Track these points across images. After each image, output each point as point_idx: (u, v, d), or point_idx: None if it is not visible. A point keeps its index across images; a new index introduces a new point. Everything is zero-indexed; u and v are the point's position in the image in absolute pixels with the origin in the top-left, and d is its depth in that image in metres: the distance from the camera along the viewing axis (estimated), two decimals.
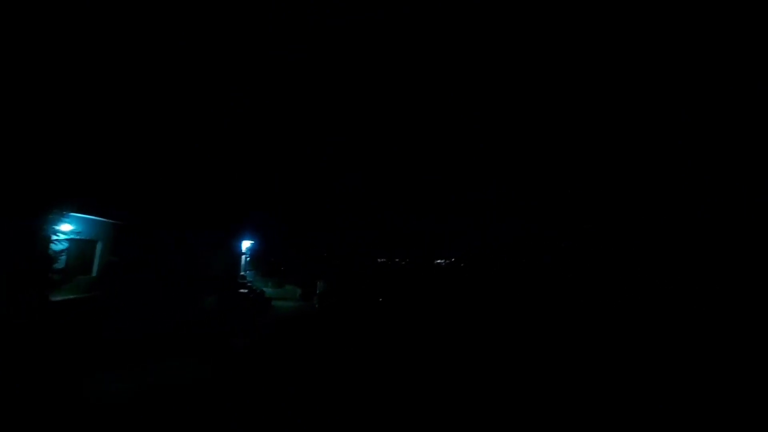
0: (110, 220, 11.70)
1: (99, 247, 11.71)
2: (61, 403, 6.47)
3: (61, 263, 8.93)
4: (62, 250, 8.98)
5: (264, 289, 24.17)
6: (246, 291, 20.52)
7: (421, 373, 8.83)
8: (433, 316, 16.14)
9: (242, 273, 24.83)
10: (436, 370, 9.07)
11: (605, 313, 10.52)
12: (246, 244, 24.31)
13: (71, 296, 10.21)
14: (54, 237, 8.72)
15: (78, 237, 10.32)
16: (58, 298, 9.49)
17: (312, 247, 28.51)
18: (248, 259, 27.34)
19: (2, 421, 5.69)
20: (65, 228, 9.35)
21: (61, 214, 8.69)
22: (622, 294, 12.65)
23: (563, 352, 9.12)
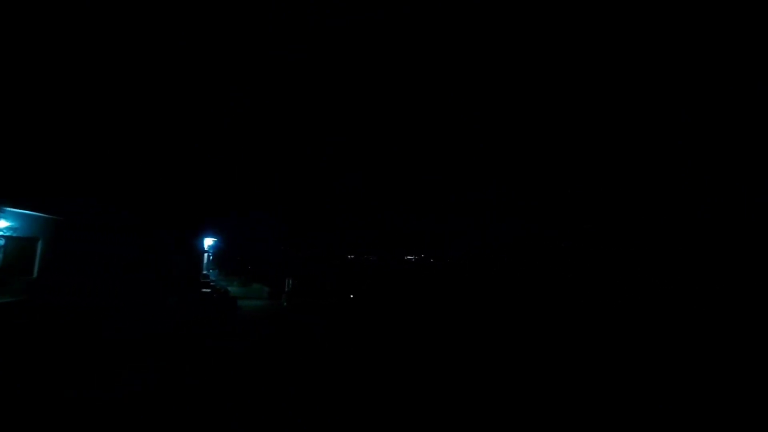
0: (52, 216, 10.68)
1: (40, 245, 10.67)
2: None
3: None
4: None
5: (229, 288, 23.20)
6: (209, 291, 19.61)
7: (393, 370, 8.78)
8: (405, 313, 16.16)
9: (204, 272, 23.74)
10: (409, 366, 9.06)
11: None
12: (208, 242, 23.24)
13: (6, 299, 9.22)
14: None
15: (15, 234, 9.34)
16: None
17: (281, 245, 27.78)
18: (211, 257, 26.19)
19: None
20: (1, 224, 8.42)
21: None
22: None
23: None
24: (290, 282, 24.28)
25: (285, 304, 21.90)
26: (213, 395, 6.98)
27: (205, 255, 23.78)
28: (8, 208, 8.60)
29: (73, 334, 9.38)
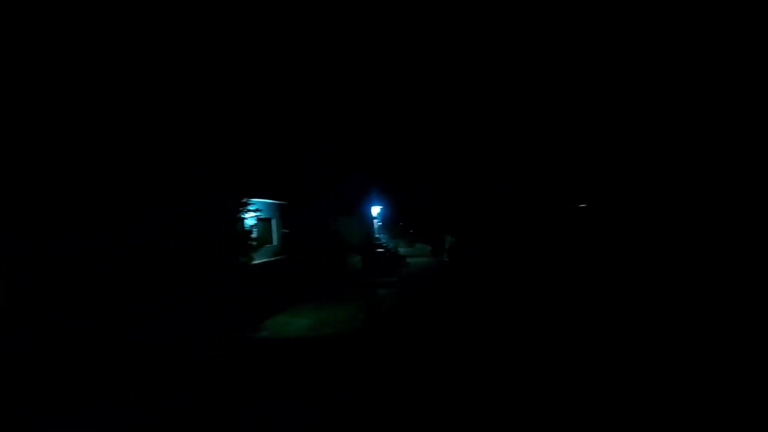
0: (277, 202, 15.08)
1: (273, 223, 15.31)
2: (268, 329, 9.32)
3: (254, 234, 12.29)
4: (253, 226, 12.32)
5: (398, 248, 26.86)
6: (382, 250, 23.25)
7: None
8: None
9: (376, 236, 27.94)
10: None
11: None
12: (376, 210, 27.07)
13: (263, 260, 13.86)
14: (246, 217, 12.06)
15: (259, 216, 13.75)
16: (258, 262, 13.08)
17: (439, 209, 29.72)
18: (379, 223, 30.38)
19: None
20: (251, 213, 12.68)
21: (248, 201, 11.86)
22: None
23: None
24: (450, 239, 26.01)
25: (446, 259, 23.86)
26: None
27: (375, 221, 27.88)
28: (255, 199, 12.69)
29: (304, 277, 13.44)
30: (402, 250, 27.79)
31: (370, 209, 26.14)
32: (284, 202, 15.50)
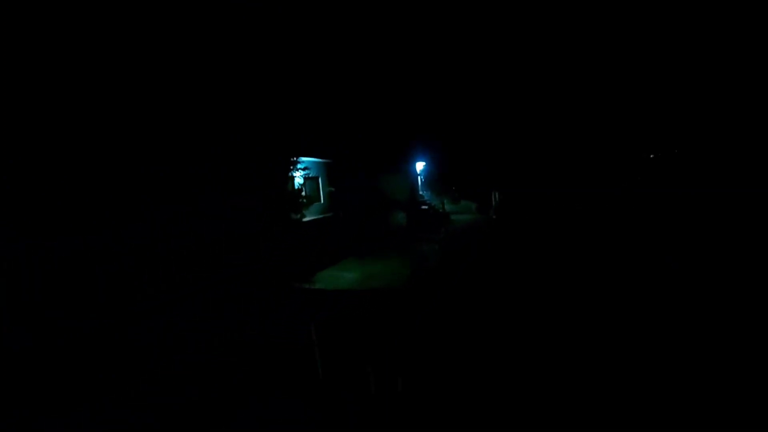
0: (323, 160, 15.41)
1: (320, 181, 15.78)
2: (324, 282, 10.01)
3: (304, 193, 12.84)
4: (302, 184, 12.84)
5: (441, 206, 26.64)
6: (426, 207, 23.26)
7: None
8: None
9: (420, 193, 27.81)
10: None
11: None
12: (419, 166, 26.69)
13: (312, 217, 14.55)
14: (296, 176, 12.56)
15: (308, 175, 14.21)
16: (307, 219, 13.78)
17: (484, 165, 28.66)
18: (423, 180, 30.05)
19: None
20: (300, 171, 13.13)
21: (297, 160, 12.27)
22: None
23: None
24: (497, 195, 25.27)
25: (494, 217, 23.39)
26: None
27: (419, 178, 27.61)
28: (303, 158, 13.06)
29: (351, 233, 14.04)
30: (447, 207, 27.56)
31: (414, 165, 25.85)
32: (330, 161, 15.79)
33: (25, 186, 6.50)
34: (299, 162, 12.24)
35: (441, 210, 24.40)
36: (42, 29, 6.90)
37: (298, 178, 13.01)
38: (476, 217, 24.90)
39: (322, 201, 15.95)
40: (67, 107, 7.08)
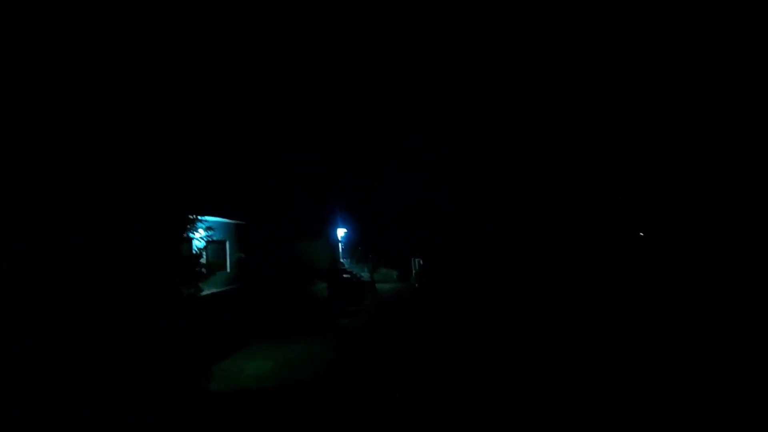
0: (234, 221, 13.23)
1: (228, 245, 13.36)
2: (226, 376, 7.52)
3: (204, 259, 10.38)
4: (203, 248, 10.42)
5: (361, 274, 25.31)
6: (349, 276, 21.67)
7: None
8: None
9: (341, 260, 26.32)
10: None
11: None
12: (341, 233, 25.59)
13: (214, 289, 11.84)
14: (195, 237, 10.17)
15: (211, 238, 11.84)
16: (207, 292, 11.08)
17: (405, 232, 28.81)
18: (343, 247, 28.80)
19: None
20: (201, 232, 10.81)
21: (198, 219, 10.04)
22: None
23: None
24: (417, 263, 25.06)
25: (416, 285, 22.77)
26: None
27: (339, 245, 26.31)
28: (207, 218, 10.87)
29: (263, 308, 11.56)
30: (365, 275, 26.35)
31: (335, 232, 24.63)
32: (242, 222, 13.65)
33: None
34: (200, 221, 10.05)
35: (363, 279, 23.06)
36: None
37: (199, 240, 10.63)
38: (398, 286, 24.06)
39: (228, 269, 13.37)
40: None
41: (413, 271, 25.19)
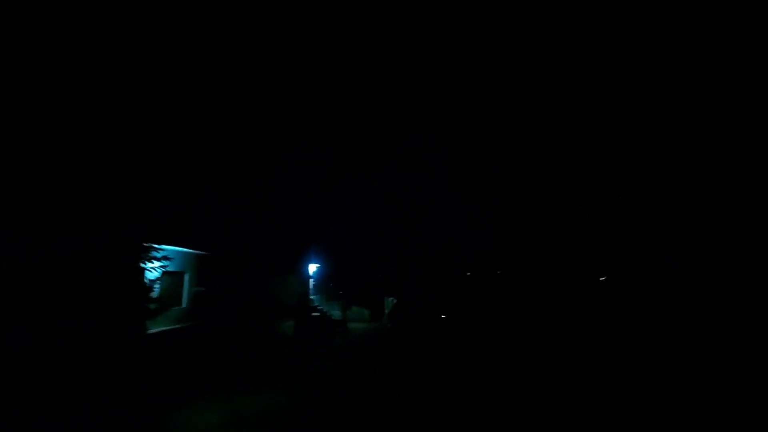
0: (194, 251, 12.15)
1: (187, 278, 12.17)
2: None
3: (155, 293, 9.24)
4: (156, 279, 9.30)
5: (332, 312, 24.01)
6: (318, 315, 20.41)
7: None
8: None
9: (311, 297, 24.99)
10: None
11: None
12: (312, 268, 24.50)
13: (165, 327, 10.54)
14: (147, 268, 9.09)
15: (167, 269, 10.71)
16: (154, 330, 9.80)
17: (378, 270, 28.07)
18: (314, 283, 27.54)
19: None
20: (156, 261, 9.74)
21: (152, 247, 9.04)
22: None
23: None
24: (391, 302, 24.16)
25: (389, 325, 21.73)
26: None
27: (310, 281, 25.09)
28: (162, 246, 9.86)
29: (222, 349, 10.25)
30: (336, 313, 25.02)
31: (307, 267, 23.50)
32: (206, 253, 12.57)
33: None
34: (155, 249, 9.04)
35: (334, 318, 21.80)
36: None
37: (152, 271, 9.52)
38: (370, 326, 22.88)
39: (183, 305, 12.08)
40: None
41: (386, 311, 24.19)
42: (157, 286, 9.38)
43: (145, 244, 8.75)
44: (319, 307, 22.64)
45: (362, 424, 6.65)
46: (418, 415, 7.09)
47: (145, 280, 9.19)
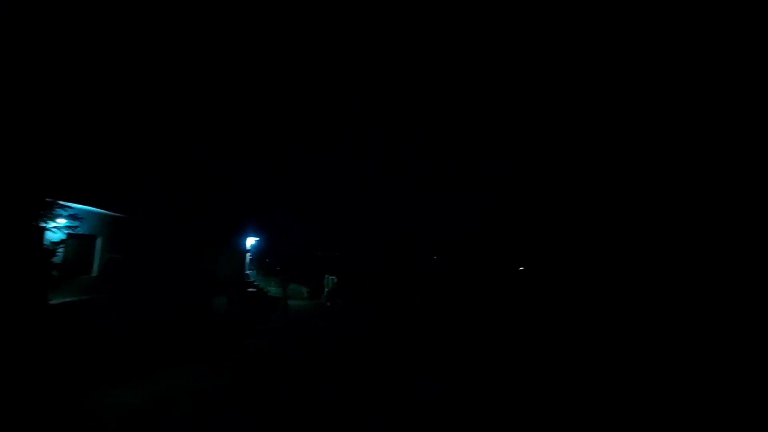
0: (111, 213, 10.57)
1: (99, 243, 10.58)
2: (62, 420, 5.43)
3: (59, 258, 7.82)
4: (60, 242, 7.86)
5: (268, 288, 23.01)
6: (254, 290, 19.42)
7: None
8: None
9: (246, 272, 23.68)
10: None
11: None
12: (250, 241, 23.12)
13: (70, 298, 9.09)
14: (50, 227, 7.64)
15: (76, 231, 9.17)
16: (57, 301, 8.38)
17: (318, 245, 27.38)
18: (252, 258, 26.14)
19: None
20: (61, 220, 8.25)
21: (56, 203, 7.59)
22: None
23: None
24: (330, 280, 23.81)
25: (328, 304, 21.48)
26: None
27: (247, 255, 23.70)
28: (70, 204, 8.39)
29: (135, 332, 9.14)
30: (273, 290, 24.07)
31: (244, 240, 22.06)
32: (122, 215, 10.98)
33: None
34: (60, 206, 7.62)
35: (270, 294, 20.92)
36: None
37: (55, 231, 8.04)
38: (308, 303, 22.42)
39: (94, 272, 10.54)
40: None
41: (325, 290, 23.83)
42: (60, 250, 7.94)
43: (48, 199, 7.31)
44: (255, 283, 21.56)
45: (297, 400, 6.36)
46: (356, 391, 6.99)
47: (45, 242, 7.73)
